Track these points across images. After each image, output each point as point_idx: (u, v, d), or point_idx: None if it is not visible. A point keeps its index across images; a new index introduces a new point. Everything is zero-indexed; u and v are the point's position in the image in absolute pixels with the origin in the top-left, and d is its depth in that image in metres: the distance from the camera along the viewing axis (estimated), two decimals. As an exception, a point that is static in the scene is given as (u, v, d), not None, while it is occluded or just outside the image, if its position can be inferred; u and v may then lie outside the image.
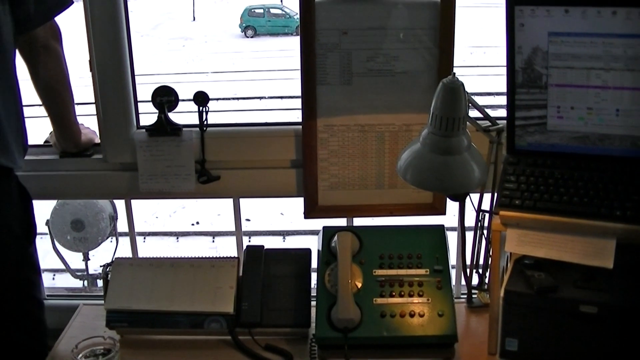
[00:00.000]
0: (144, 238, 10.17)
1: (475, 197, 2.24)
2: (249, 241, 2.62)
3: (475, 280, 2.39)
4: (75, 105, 2.43)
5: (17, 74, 2.19)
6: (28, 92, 2.26)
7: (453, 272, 2.28)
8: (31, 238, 2.30)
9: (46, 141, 2.59)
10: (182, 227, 10.97)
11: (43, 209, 2.76)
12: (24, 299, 2.28)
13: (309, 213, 2.46)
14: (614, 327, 1.78)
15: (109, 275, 2.29)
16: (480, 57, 17.04)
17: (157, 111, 2.39)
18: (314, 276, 2.27)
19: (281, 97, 15.10)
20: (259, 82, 16.60)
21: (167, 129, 2.40)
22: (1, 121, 2.11)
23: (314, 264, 2.29)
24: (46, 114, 2.41)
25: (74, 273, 3.54)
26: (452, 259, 2.31)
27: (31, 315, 2.32)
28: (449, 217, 2.44)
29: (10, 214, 2.18)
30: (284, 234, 10.45)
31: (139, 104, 2.51)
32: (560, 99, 1.95)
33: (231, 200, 2.59)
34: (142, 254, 2.62)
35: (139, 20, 20.01)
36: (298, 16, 2.57)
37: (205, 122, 2.40)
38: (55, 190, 2.60)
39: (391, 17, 2.25)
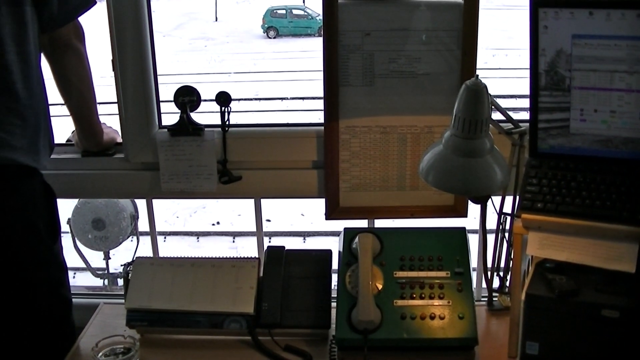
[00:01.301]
0: (165, 238, 10.21)
1: (496, 199, 2.23)
2: (269, 242, 2.63)
3: (496, 283, 2.38)
4: (98, 105, 2.44)
5: (43, 73, 2.21)
6: (50, 90, 2.27)
7: (474, 275, 2.27)
8: (56, 236, 2.30)
9: (68, 140, 2.60)
10: (202, 227, 11.00)
11: (64, 208, 2.77)
12: (51, 297, 2.28)
13: (330, 214, 2.46)
14: (636, 332, 1.77)
15: (130, 275, 2.30)
16: (502, 59, 16.98)
17: (179, 111, 2.40)
18: (334, 277, 2.27)
19: (303, 98, 15.10)
20: (281, 83, 16.60)
21: (189, 128, 2.40)
22: (29, 121, 2.13)
23: (335, 265, 2.29)
24: (68, 113, 2.42)
25: (94, 272, 3.56)
26: (473, 261, 2.30)
27: (58, 313, 2.33)
28: (470, 220, 2.44)
29: (35, 213, 2.20)
30: (304, 235, 10.46)
31: (161, 103, 2.52)
32: (584, 102, 1.94)
33: (252, 200, 2.59)
34: (162, 253, 2.63)
35: (161, 20, 20.05)
36: (320, 17, 2.57)
37: (227, 122, 2.41)
38: (76, 189, 2.62)
39: (414, 18, 2.25)
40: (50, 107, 2.25)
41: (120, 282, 2.88)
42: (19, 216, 2.15)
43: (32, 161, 2.15)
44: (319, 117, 2.40)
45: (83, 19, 2.30)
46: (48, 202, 2.28)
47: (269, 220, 9.81)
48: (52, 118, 2.28)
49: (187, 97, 2.39)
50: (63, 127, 2.61)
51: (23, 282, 2.19)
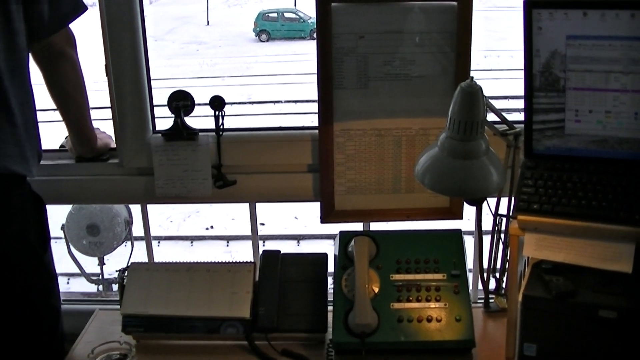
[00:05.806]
0: (159, 242, 10.18)
1: (492, 201, 2.23)
2: (264, 245, 2.61)
3: (492, 284, 2.38)
4: (91, 110, 2.43)
5: (31, 80, 2.19)
6: (43, 96, 2.26)
7: (470, 277, 2.27)
8: (46, 245, 2.29)
9: (62, 146, 2.59)
10: (196, 232, 10.98)
11: (59, 214, 2.75)
12: (39, 307, 2.27)
13: (325, 217, 2.46)
14: (634, 332, 1.77)
15: (125, 280, 2.29)
16: (495, 60, 17.01)
17: (173, 115, 2.39)
18: (330, 281, 2.27)
19: (296, 102, 15.10)
20: (274, 87, 16.60)
21: (183, 133, 2.40)
22: (18, 128, 2.11)
23: (331, 268, 2.28)
24: (61, 119, 2.41)
25: (89, 277, 3.54)
26: (470, 263, 2.30)
27: (47, 322, 2.31)
28: (466, 222, 2.43)
29: (24, 222, 2.18)
30: (298, 238, 10.45)
31: (154, 108, 2.51)
32: (579, 103, 1.93)
33: (246, 204, 2.58)
34: (156, 258, 2.63)
35: (153, 24, 20.02)
36: (312, 20, 2.58)
37: (221, 127, 2.40)
38: (71, 195, 2.61)
39: (408, 21, 2.25)
40: (40, 112, 2.24)
41: (115, 287, 2.87)
42: (8, 226, 2.13)
43: (23, 169, 2.14)
44: (312, 121, 2.40)
45: (75, 23, 2.29)
46: (38, 211, 2.27)
47: (262, 224, 9.78)
48: (44, 124, 2.27)
49: (181, 102, 2.38)
50: (55, 132, 2.60)
51: (13, 292, 2.17)
